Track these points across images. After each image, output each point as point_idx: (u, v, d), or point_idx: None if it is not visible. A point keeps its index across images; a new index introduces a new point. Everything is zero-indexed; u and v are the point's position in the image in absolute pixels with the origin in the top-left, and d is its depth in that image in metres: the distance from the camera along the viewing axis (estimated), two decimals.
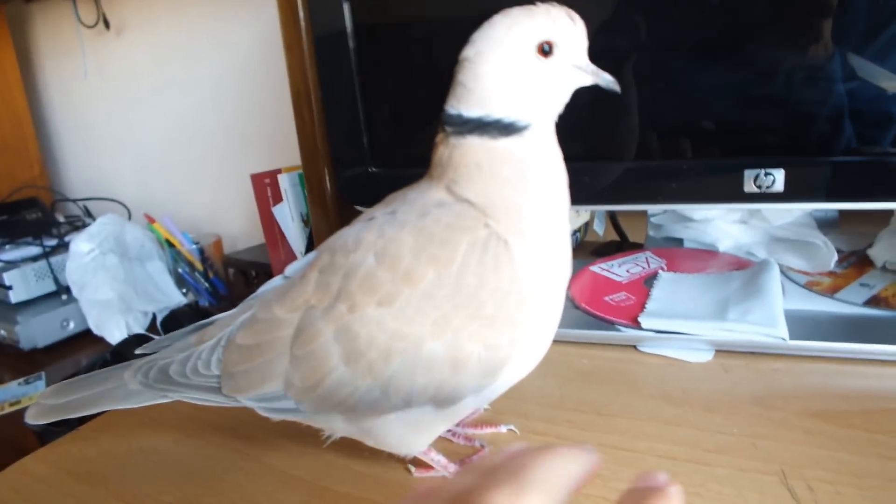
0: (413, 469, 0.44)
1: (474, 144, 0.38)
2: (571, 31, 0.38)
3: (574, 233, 0.84)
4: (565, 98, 0.40)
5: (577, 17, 0.39)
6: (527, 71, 0.38)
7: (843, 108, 0.54)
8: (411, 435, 0.41)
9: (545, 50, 0.38)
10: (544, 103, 0.39)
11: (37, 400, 0.46)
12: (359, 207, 0.73)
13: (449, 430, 0.48)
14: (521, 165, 0.38)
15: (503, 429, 0.48)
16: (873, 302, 0.60)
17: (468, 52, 0.39)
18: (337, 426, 0.41)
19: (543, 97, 0.39)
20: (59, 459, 0.50)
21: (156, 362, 0.43)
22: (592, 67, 0.40)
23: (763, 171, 0.56)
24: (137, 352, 0.46)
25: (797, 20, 0.55)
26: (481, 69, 0.38)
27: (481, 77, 0.38)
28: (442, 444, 0.47)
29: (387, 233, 0.38)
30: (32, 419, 0.45)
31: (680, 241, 0.79)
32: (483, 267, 0.36)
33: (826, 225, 0.76)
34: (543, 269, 0.38)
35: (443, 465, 0.43)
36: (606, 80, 0.40)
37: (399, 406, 0.38)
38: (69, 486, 0.46)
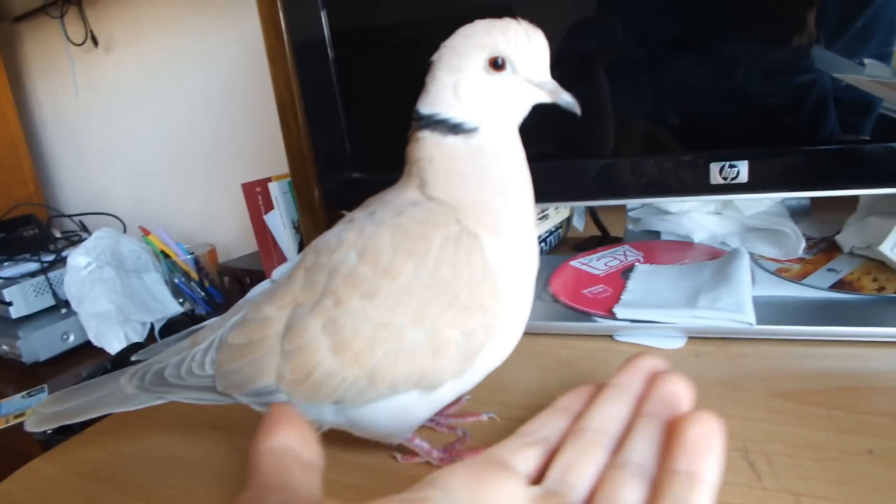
0: (399, 456, 0.47)
1: (427, 139, 0.42)
2: (526, 48, 0.41)
3: (556, 229, 0.86)
4: (521, 110, 0.43)
5: (536, 33, 0.41)
6: (476, 81, 0.41)
7: (803, 99, 0.57)
8: (396, 422, 0.43)
9: (497, 64, 0.41)
10: (493, 111, 0.42)
11: (35, 409, 0.48)
12: (345, 213, 0.75)
13: (432, 420, 0.50)
14: (475, 163, 0.41)
15: (484, 417, 0.51)
16: (839, 286, 0.62)
17: (434, 55, 0.42)
18: (326, 418, 0.43)
19: (492, 106, 0.41)
20: (66, 461, 0.52)
21: (150, 367, 0.46)
22: (552, 85, 0.42)
23: (727, 164, 0.59)
24: (133, 358, 0.48)
25: (757, 13, 0.57)
26: (437, 73, 0.42)
27: (436, 80, 0.42)
28: (426, 432, 0.49)
29: (366, 231, 0.41)
30: (32, 427, 0.47)
31: (658, 234, 0.82)
32: (457, 258, 0.39)
33: (798, 213, 0.79)
34: (512, 261, 0.41)
35: (426, 451, 0.46)
36: (566, 100, 0.42)
37: (385, 394, 0.40)
38: (77, 485, 0.49)
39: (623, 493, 0.30)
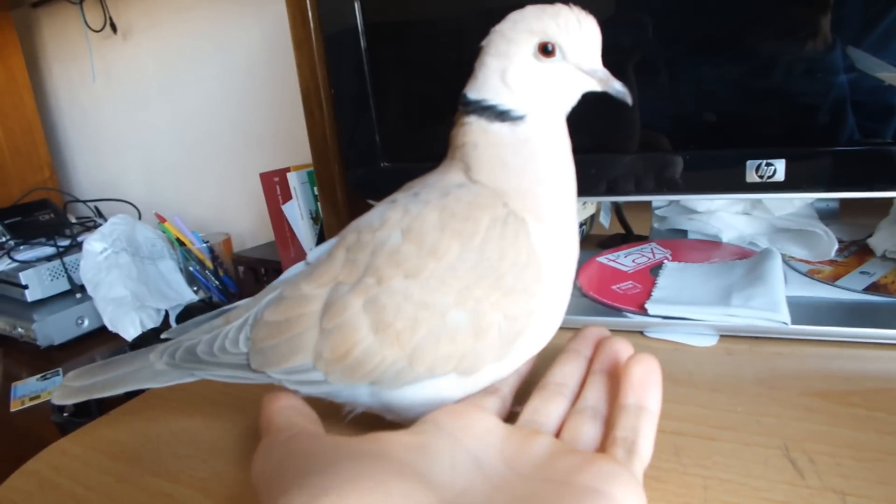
0: None
1: (473, 124, 0.41)
2: (578, 34, 0.40)
3: (580, 225, 0.86)
4: (570, 98, 0.42)
5: (588, 19, 0.40)
6: (524, 67, 0.40)
7: (844, 98, 0.56)
8: (430, 407, 0.42)
9: (546, 50, 0.40)
10: (542, 99, 0.41)
11: (62, 382, 0.48)
12: (372, 202, 0.75)
13: None
14: (520, 152, 0.41)
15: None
16: (873, 289, 0.61)
17: (484, 40, 0.41)
18: (361, 400, 0.43)
19: (540, 94, 0.41)
20: (93, 441, 0.52)
21: (181, 343, 0.45)
22: (603, 73, 0.41)
23: (764, 162, 0.58)
24: (162, 336, 0.48)
25: (797, 12, 0.57)
26: (486, 58, 0.41)
27: (484, 66, 0.41)
28: None
29: (412, 211, 0.40)
30: (59, 400, 0.47)
31: (684, 233, 0.81)
32: (503, 241, 0.38)
33: (827, 216, 0.78)
34: (555, 248, 0.41)
35: None
36: (616, 88, 0.41)
37: (423, 376, 0.40)
38: (106, 465, 0.48)
39: (583, 429, 0.38)
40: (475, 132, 0.41)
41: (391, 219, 0.40)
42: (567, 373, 0.43)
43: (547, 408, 0.41)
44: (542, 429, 0.39)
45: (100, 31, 1.59)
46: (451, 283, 0.38)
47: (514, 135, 0.41)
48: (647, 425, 0.37)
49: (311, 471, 0.30)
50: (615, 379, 0.41)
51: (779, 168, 0.58)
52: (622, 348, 0.43)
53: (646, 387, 0.38)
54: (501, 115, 0.41)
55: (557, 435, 0.39)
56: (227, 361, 0.43)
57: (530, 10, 0.40)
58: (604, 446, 0.36)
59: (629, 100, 0.41)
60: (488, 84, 0.41)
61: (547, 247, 0.40)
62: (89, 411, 0.81)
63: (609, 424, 0.38)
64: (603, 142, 0.65)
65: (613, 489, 0.31)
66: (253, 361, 0.42)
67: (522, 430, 0.39)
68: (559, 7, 0.40)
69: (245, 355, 0.43)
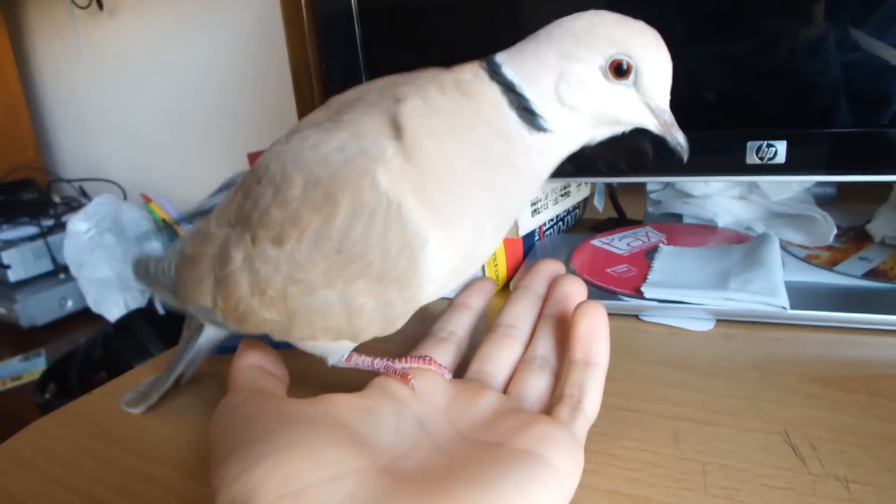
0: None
1: (489, 94, 0.35)
2: (656, 62, 0.34)
3: (574, 208, 0.85)
4: (615, 130, 0.37)
5: (665, 49, 0.35)
6: (587, 82, 0.34)
7: (846, 79, 0.55)
8: (330, 353, 0.41)
9: (621, 70, 0.34)
10: (586, 122, 0.35)
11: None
12: None
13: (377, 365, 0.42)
14: (510, 154, 0.35)
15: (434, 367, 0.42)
16: (872, 274, 0.60)
17: (550, 26, 0.35)
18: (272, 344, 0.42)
19: (590, 116, 0.35)
20: (73, 421, 0.50)
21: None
22: (669, 117, 0.36)
23: (765, 143, 0.57)
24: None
25: None
26: (543, 50, 0.34)
27: (540, 58, 0.34)
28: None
29: (286, 167, 0.35)
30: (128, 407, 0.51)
31: (679, 217, 0.80)
32: (369, 231, 0.33)
33: (824, 201, 0.77)
34: (454, 246, 0.36)
35: (368, 365, 0.41)
36: (678, 140, 0.37)
37: (308, 339, 0.38)
38: (86, 445, 0.47)
39: (532, 383, 0.39)
40: (484, 102, 0.34)
41: (270, 170, 0.36)
42: (518, 312, 0.43)
43: (497, 354, 0.41)
44: (491, 380, 0.40)
45: (86, 7, 1.56)
46: (316, 262, 0.34)
47: (521, 138, 0.35)
48: (593, 381, 0.37)
49: (250, 438, 0.31)
50: (565, 326, 0.41)
51: (780, 149, 0.56)
52: (574, 290, 0.43)
53: (592, 340, 0.38)
54: (525, 113, 0.34)
55: (507, 385, 0.40)
56: (165, 285, 0.43)
57: (612, 18, 0.34)
58: (551, 402, 0.37)
59: (685, 156, 0.37)
60: (536, 78, 0.34)
61: (435, 239, 0.34)
62: (71, 392, 0.79)
63: (557, 379, 0.39)
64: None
65: (549, 452, 0.32)
66: (177, 293, 0.42)
67: (470, 386, 0.39)
68: (643, 25, 0.35)
69: (172, 285, 0.42)
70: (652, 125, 0.36)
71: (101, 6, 1.56)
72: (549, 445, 0.32)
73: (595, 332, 0.38)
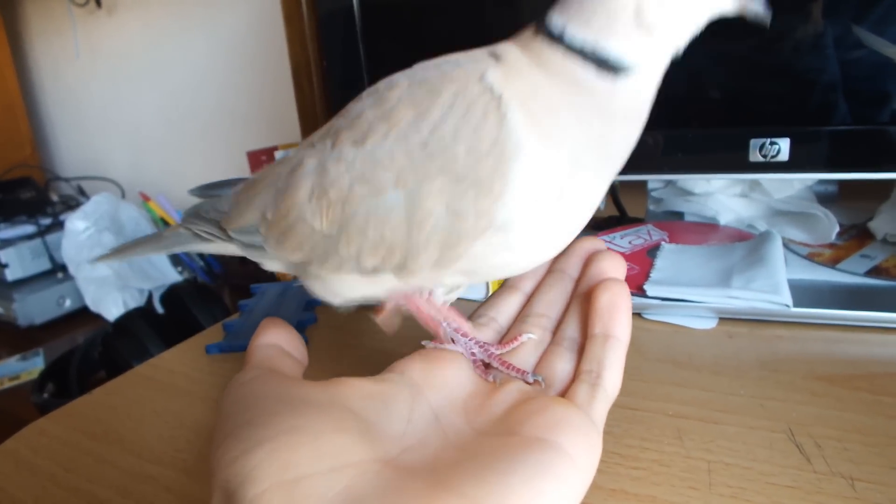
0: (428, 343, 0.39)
1: (554, 57, 0.32)
2: None
3: None
4: (694, 33, 0.34)
5: None
6: None
7: (850, 77, 0.55)
8: (368, 294, 0.38)
9: None
10: (672, 36, 0.32)
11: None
12: None
13: (473, 356, 0.39)
14: (594, 107, 0.32)
15: (524, 338, 0.39)
16: (875, 272, 0.60)
17: None
18: (304, 274, 0.39)
19: (679, 23, 0.32)
20: (73, 421, 0.50)
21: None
22: None
23: (768, 141, 0.56)
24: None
25: None
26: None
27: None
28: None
29: (394, 80, 0.35)
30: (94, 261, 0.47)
31: (680, 215, 0.80)
32: (463, 121, 0.31)
33: (825, 199, 0.77)
34: (557, 172, 0.32)
35: (435, 316, 0.38)
36: (755, 10, 0.33)
37: (350, 264, 0.35)
38: (86, 445, 0.46)
39: (558, 366, 0.36)
40: (546, 55, 0.32)
41: (379, 86, 0.35)
42: (549, 300, 0.40)
43: (523, 349, 0.38)
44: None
45: (84, 5, 1.56)
46: (396, 158, 0.32)
47: (607, 89, 0.31)
48: (612, 355, 0.35)
49: (251, 419, 0.29)
50: (586, 300, 0.38)
51: (783, 147, 0.56)
52: (609, 267, 0.39)
53: (613, 313, 0.35)
54: (602, 64, 0.31)
55: (535, 370, 0.37)
56: (211, 217, 0.40)
57: None
58: (570, 383, 0.35)
59: (767, 21, 0.33)
60: (611, 24, 0.31)
61: (530, 149, 0.31)
62: (70, 392, 0.79)
63: (579, 355, 0.36)
64: None
65: (563, 439, 0.29)
66: (223, 219, 0.39)
67: (493, 382, 0.36)
68: None
69: (225, 213, 0.39)
70: (725, 4, 0.33)
71: (99, 4, 1.56)
72: (563, 431, 0.30)
73: (616, 304, 0.36)
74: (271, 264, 0.40)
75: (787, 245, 0.68)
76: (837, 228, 0.67)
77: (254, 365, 0.35)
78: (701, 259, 0.64)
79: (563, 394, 0.34)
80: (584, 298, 0.38)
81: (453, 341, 0.38)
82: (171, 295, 0.95)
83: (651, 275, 0.61)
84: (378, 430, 0.31)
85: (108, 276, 1.14)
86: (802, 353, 0.51)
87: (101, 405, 0.52)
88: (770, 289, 0.55)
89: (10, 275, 1.18)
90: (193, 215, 0.42)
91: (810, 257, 0.65)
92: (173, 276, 1.23)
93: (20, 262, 1.19)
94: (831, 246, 0.67)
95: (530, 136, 0.31)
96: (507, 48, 0.33)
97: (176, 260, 1.24)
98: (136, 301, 1.15)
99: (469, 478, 0.27)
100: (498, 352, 0.38)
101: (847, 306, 0.55)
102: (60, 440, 0.48)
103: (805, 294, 0.57)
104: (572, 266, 0.41)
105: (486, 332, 0.40)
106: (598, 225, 0.85)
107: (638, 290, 0.59)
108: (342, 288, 0.38)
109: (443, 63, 0.34)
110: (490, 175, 0.31)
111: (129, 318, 0.87)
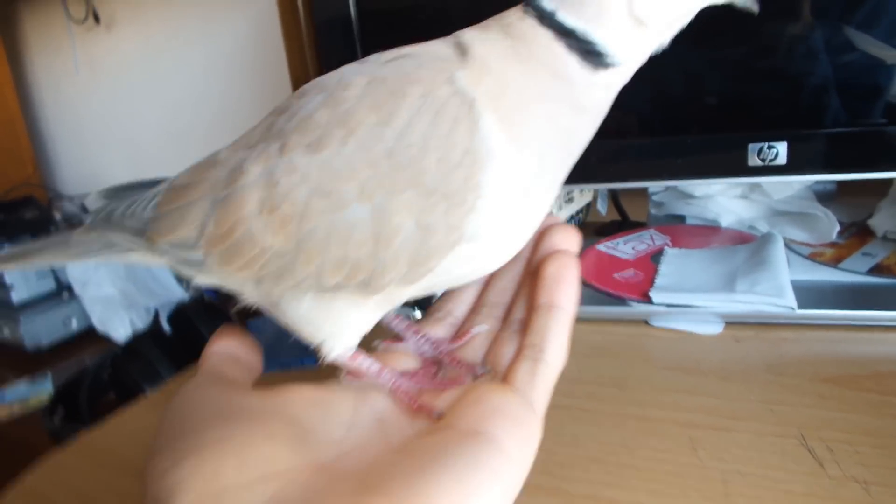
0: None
1: (540, 38, 0.31)
2: None
3: (577, 213, 0.85)
4: (682, 25, 0.33)
5: None
6: None
7: (844, 79, 0.55)
8: (328, 322, 0.34)
9: None
10: (660, 30, 0.32)
11: None
12: None
13: (421, 351, 0.38)
14: (573, 95, 0.31)
15: (477, 330, 0.37)
16: (877, 270, 0.61)
17: None
18: (247, 289, 0.36)
19: (672, 14, 0.32)
20: (90, 452, 0.50)
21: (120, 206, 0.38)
22: None
23: (766, 145, 0.57)
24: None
25: None
26: None
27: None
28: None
29: (346, 77, 0.32)
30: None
31: (682, 218, 0.80)
32: (433, 128, 0.29)
33: (825, 198, 0.77)
34: (523, 173, 0.31)
35: (375, 374, 0.34)
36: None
37: (309, 282, 0.32)
38: (106, 479, 0.47)
39: (504, 350, 0.33)
40: (529, 34, 0.31)
41: (321, 83, 0.33)
42: (502, 287, 0.38)
43: (475, 340, 0.36)
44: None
45: (82, 21, 1.56)
46: (359, 169, 0.29)
47: (585, 79, 0.31)
48: (556, 325, 0.32)
49: (185, 430, 0.28)
50: (533, 272, 0.35)
51: (781, 151, 0.57)
52: (561, 239, 0.35)
53: (558, 283, 0.33)
54: (589, 54, 0.30)
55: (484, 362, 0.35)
56: (129, 225, 0.36)
57: None
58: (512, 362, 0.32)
59: (756, 7, 0.33)
60: (602, 13, 0.30)
61: (503, 155, 0.30)
62: (81, 416, 0.79)
63: (523, 329, 0.33)
64: (605, 127, 0.64)
65: (497, 430, 0.28)
66: (149, 228, 0.35)
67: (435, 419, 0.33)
68: None
69: (147, 221, 0.35)
70: None
71: (97, 20, 1.56)
72: (497, 421, 0.28)
73: (561, 274, 0.33)
74: (205, 279, 0.36)
75: (789, 246, 0.68)
76: (838, 227, 0.67)
77: (202, 373, 0.33)
78: (705, 263, 0.64)
79: (507, 375, 0.32)
80: (532, 275, 0.36)
81: (404, 339, 0.37)
82: (179, 315, 0.95)
83: (656, 281, 0.61)
84: (315, 436, 0.29)
85: (113, 296, 1.14)
86: (809, 355, 0.52)
87: (117, 434, 0.52)
88: (774, 291, 0.56)
89: (16, 296, 1.17)
90: (105, 220, 0.37)
91: (812, 257, 0.65)
92: (179, 293, 1.23)
93: (25, 282, 1.19)
94: (832, 245, 0.68)
95: (501, 140, 0.30)
96: (473, 37, 0.32)
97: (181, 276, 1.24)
98: (142, 319, 1.15)
99: (399, 478, 0.26)
100: (448, 348, 0.36)
101: (850, 306, 0.55)
102: (80, 474, 0.48)
103: (808, 295, 0.57)
104: (526, 248, 0.37)
105: (442, 327, 0.38)
106: (600, 231, 0.85)
107: (644, 297, 0.60)
108: (297, 311, 0.35)
109: (401, 57, 0.32)
110: (462, 186, 0.30)
111: (138, 340, 0.88)
